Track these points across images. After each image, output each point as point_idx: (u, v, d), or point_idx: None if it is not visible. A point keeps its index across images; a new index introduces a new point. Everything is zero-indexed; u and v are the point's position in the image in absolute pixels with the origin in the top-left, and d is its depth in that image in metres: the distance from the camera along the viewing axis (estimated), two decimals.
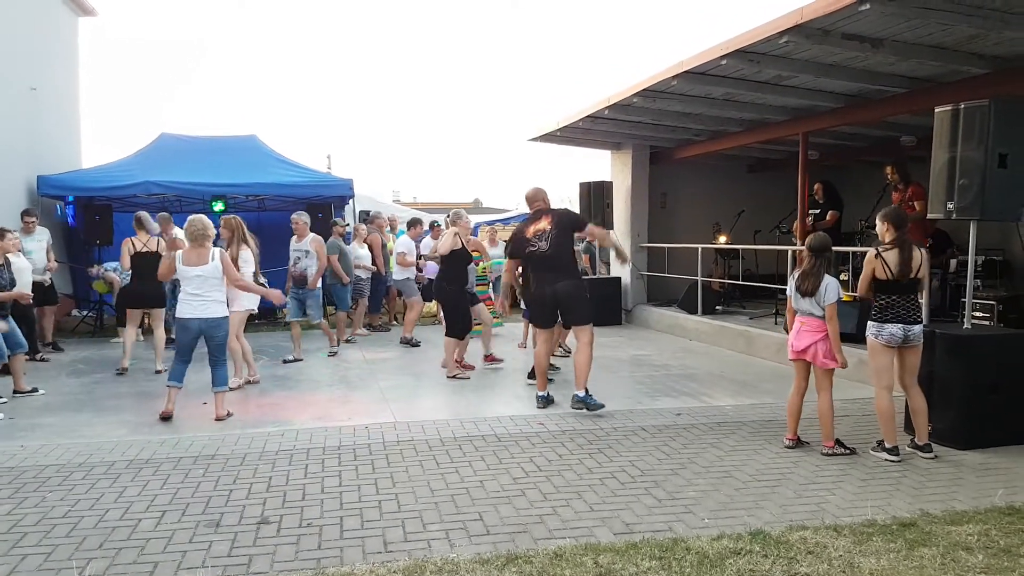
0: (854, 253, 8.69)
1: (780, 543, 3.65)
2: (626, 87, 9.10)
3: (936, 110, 5.67)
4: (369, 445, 5.40)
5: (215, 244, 6.33)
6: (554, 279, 6.31)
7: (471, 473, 4.78)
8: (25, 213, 9.74)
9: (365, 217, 12.67)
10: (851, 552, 3.55)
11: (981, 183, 5.27)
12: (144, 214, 8.62)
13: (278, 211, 12.57)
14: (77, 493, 4.47)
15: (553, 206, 6.85)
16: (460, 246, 7.73)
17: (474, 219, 16.09)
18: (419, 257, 10.92)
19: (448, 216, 8.34)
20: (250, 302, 7.30)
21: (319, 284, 8.80)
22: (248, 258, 7.04)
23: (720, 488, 4.49)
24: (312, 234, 8.84)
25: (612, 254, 13.41)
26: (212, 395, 6.22)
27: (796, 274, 5.30)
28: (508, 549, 3.65)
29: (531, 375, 7.30)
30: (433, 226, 12.50)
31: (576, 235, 6.81)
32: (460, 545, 3.72)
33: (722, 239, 12.32)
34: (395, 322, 12.28)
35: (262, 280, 7.42)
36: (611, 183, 12.23)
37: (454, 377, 7.77)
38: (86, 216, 11.16)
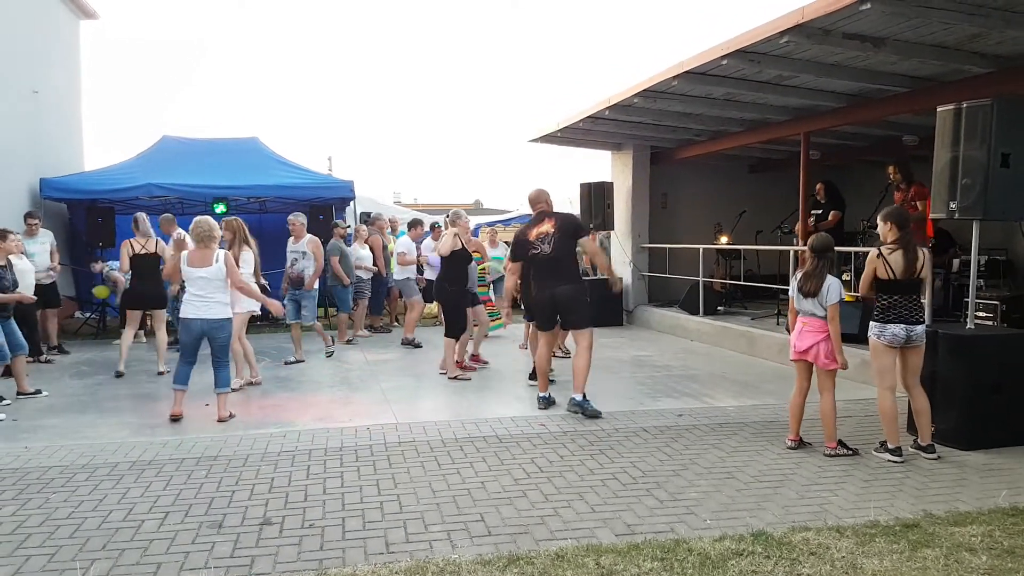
0: (856, 253, 8.68)
1: (782, 544, 3.65)
2: (627, 87, 9.10)
3: (938, 109, 5.66)
4: (371, 446, 5.40)
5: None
6: (555, 283, 6.29)
7: (472, 474, 4.78)
8: (28, 215, 9.76)
9: (366, 219, 12.68)
10: (854, 553, 3.54)
11: (984, 183, 5.25)
12: (141, 216, 8.61)
13: (279, 213, 12.58)
14: (80, 494, 4.47)
15: (556, 208, 6.84)
16: (460, 247, 7.74)
17: (475, 220, 16.10)
18: (419, 256, 10.91)
19: (447, 216, 8.34)
20: (252, 303, 7.31)
21: (316, 285, 8.78)
22: (249, 259, 7.09)
23: (722, 489, 4.48)
24: (309, 235, 8.83)
25: (612, 254, 13.44)
26: (214, 396, 6.22)
27: (798, 275, 5.29)
28: (510, 550, 3.65)
29: (532, 376, 7.30)
30: (434, 227, 12.50)
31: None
32: (462, 546, 3.71)
33: (723, 239, 12.31)
34: (396, 323, 12.28)
35: (263, 282, 7.44)
36: (612, 184, 12.22)
37: (455, 378, 7.77)
38: (88, 218, 11.18)
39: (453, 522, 4.01)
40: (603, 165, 13.85)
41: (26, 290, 7.47)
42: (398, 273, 10.75)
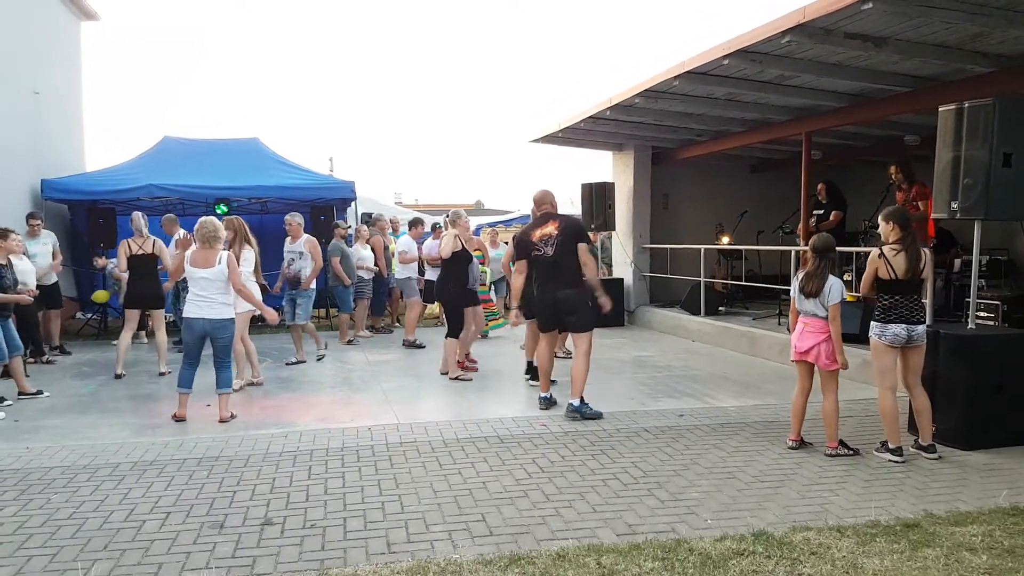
0: (857, 253, 8.68)
1: (783, 544, 3.65)
2: (628, 87, 9.09)
3: (940, 109, 5.65)
4: (372, 447, 5.40)
5: None
6: (556, 287, 6.26)
7: (474, 474, 4.78)
8: (30, 216, 9.77)
9: (367, 219, 12.68)
10: (854, 553, 3.54)
11: (985, 182, 5.24)
12: (135, 214, 8.60)
13: (281, 213, 12.50)
14: (82, 495, 4.48)
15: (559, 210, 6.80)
16: (460, 247, 7.73)
17: (476, 220, 16.12)
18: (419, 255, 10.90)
19: (447, 216, 8.33)
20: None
21: (312, 285, 8.75)
22: (250, 258, 7.13)
23: (723, 489, 4.48)
24: (306, 235, 8.80)
25: (614, 255, 13.45)
26: (216, 397, 6.23)
27: (800, 275, 5.29)
28: (511, 550, 3.65)
29: (533, 376, 7.30)
30: (435, 228, 12.51)
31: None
32: (463, 546, 3.72)
33: (725, 240, 12.31)
34: (397, 324, 12.29)
35: (262, 281, 7.47)
36: (613, 184, 12.21)
37: (456, 379, 7.77)
38: (89, 219, 11.18)
39: (454, 522, 4.02)
40: (604, 165, 13.86)
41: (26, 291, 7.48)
42: (399, 273, 10.76)
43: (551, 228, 6.31)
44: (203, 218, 6.31)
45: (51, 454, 5.31)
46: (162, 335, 8.43)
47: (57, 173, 11.72)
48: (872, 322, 5.14)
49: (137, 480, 4.73)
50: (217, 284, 6.08)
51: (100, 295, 10.98)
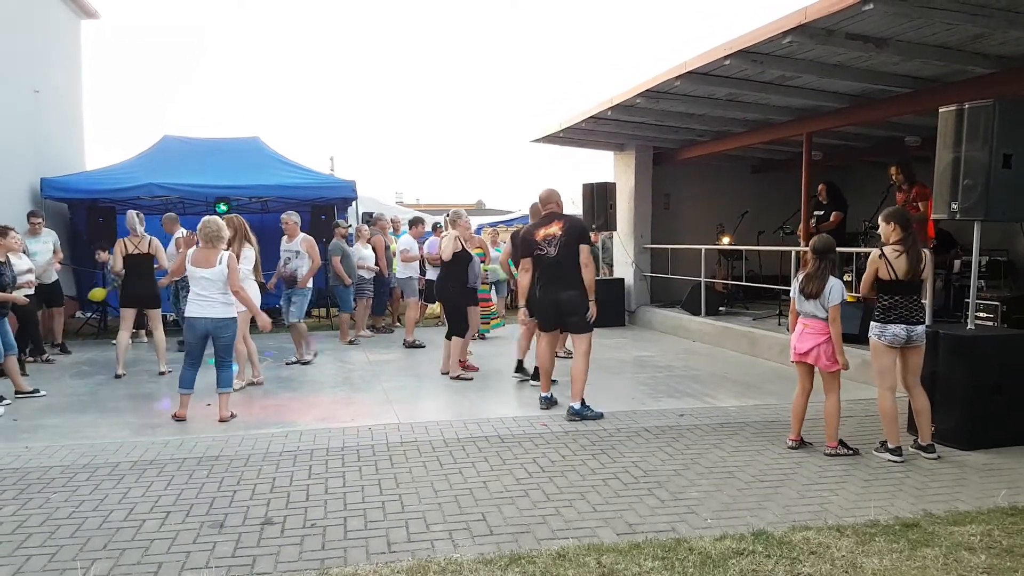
0: (858, 254, 8.68)
1: (783, 543, 3.65)
2: (629, 88, 9.10)
3: (940, 110, 5.65)
4: (373, 446, 5.41)
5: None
6: (558, 288, 6.25)
7: (474, 474, 4.78)
8: (31, 214, 9.78)
9: (368, 219, 12.68)
10: (854, 552, 3.55)
11: (985, 183, 5.25)
12: (131, 214, 8.59)
13: (281, 213, 12.58)
14: (81, 494, 4.48)
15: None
16: (460, 248, 7.74)
17: (477, 220, 16.11)
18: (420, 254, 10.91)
19: (447, 216, 8.32)
20: (255, 301, 7.31)
21: (309, 284, 8.73)
22: (250, 256, 7.15)
23: (723, 489, 4.48)
24: (303, 234, 8.75)
25: (615, 255, 13.45)
26: (216, 396, 6.23)
27: (800, 276, 5.29)
28: (511, 549, 3.65)
29: (534, 376, 7.30)
30: (435, 228, 12.51)
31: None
32: (463, 545, 3.72)
33: (725, 240, 12.31)
34: (398, 323, 12.29)
35: (261, 279, 7.49)
36: (614, 184, 12.21)
37: (457, 378, 7.77)
38: (89, 218, 11.19)
39: (455, 521, 4.02)
40: (606, 165, 13.87)
41: (26, 288, 7.49)
42: (401, 272, 10.76)
43: (555, 228, 6.29)
44: (206, 217, 6.31)
45: (50, 453, 5.31)
46: (160, 334, 8.42)
47: (57, 172, 11.72)
48: (872, 322, 5.14)
49: (137, 479, 4.73)
50: (218, 284, 6.08)
51: (97, 293, 10.96)
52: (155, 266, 8.50)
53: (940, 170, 5.58)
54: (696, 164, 12.84)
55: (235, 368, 6.59)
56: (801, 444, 5.29)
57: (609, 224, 11.72)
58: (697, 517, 4.05)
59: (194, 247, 6.35)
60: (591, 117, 10.43)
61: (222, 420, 6.11)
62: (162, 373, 8.14)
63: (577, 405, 6.13)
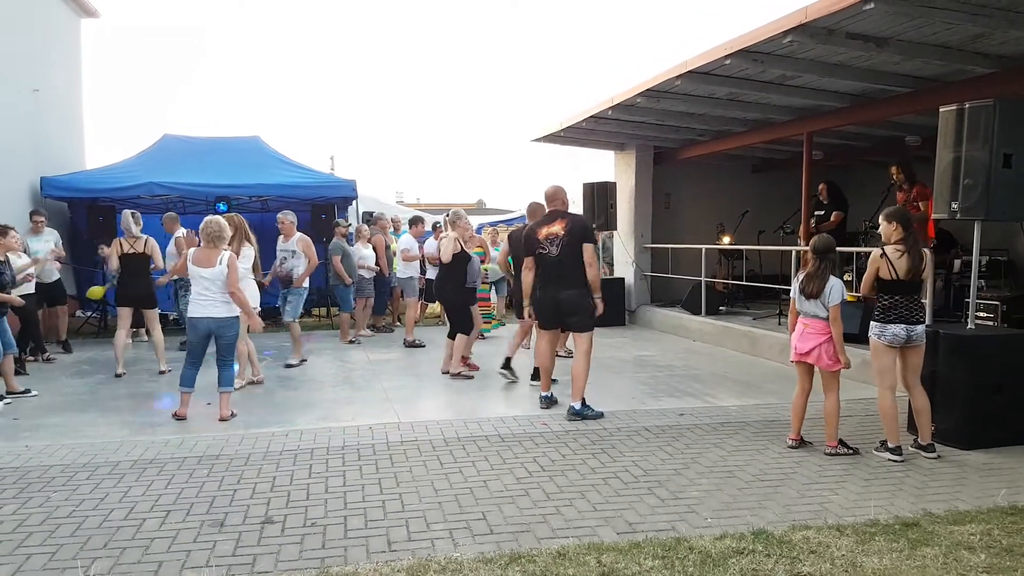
0: (858, 254, 8.68)
1: (783, 543, 3.65)
2: (630, 87, 9.10)
3: (941, 110, 5.65)
4: (373, 445, 5.41)
5: None
6: (558, 287, 6.24)
7: (474, 473, 4.79)
8: (34, 213, 9.79)
9: (368, 218, 12.67)
10: (854, 552, 3.55)
11: (986, 183, 5.25)
12: (126, 214, 8.57)
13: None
14: (81, 493, 4.48)
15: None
16: (459, 250, 7.73)
17: (477, 220, 16.12)
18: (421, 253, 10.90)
19: (447, 216, 8.31)
20: (254, 300, 7.32)
21: (305, 284, 8.72)
22: (249, 254, 7.16)
23: (723, 488, 4.49)
24: (299, 234, 8.71)
25: (615, 254, 13.45)
26: (216, 395, 6.23)
27: (800, 276, 5.29)
28: (511, 548, 3.65)
29: (535, 375, 7.30)
30: (435, 227, 12.51)
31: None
32: (464, 544, 3.72)
33: (726, 240, 12.31)
34: (398, 323, 12.29)
35: (261, 279, 7.49)
36: (615, 184, 12.21)
37: (458, 375, 7.78)
38: (89, 217, 11.19)
39: (455, 520, 4.02)
40: (606, 165, 13.87)
41: (24, 289, 7.50)
42: (401, 271, 10.76)
43: (557, 227, 6.26)
44: (208, 217, 6.32)
45: (51, 452, 5.31)
46: (158, 334, 8.40)
47: (57, 171, 11.71)
48: (872, 322, 5.14)
49: (137, 478, 4.73)
50: (218, 283, 6.09)
51: (95, 291, 10.97)
52: (151, 266, 8.49)
53: (940, 170, 5.59)
54: (696, 163, 12.84)
55: (235, 367, 6.59)
56: (801, 443, 5.29)
57: (609, 223, 11.72)
58: (697, 516, 4.05)
59: (195, 246, 6.35)
60: (592, 116, 10.43)
61: (222, 419, 6.11)
62: (162, 372, 8.13)
63: (577, 405, 6.12)
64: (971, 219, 5.52)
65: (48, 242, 9.64)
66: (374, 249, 11.14)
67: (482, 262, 9.33)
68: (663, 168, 12.90)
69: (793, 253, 9.39)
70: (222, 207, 11.11)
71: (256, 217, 12.08)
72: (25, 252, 8.41)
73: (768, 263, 12.67)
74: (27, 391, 7.13)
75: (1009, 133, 5.21)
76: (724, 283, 11.88)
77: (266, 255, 8.02)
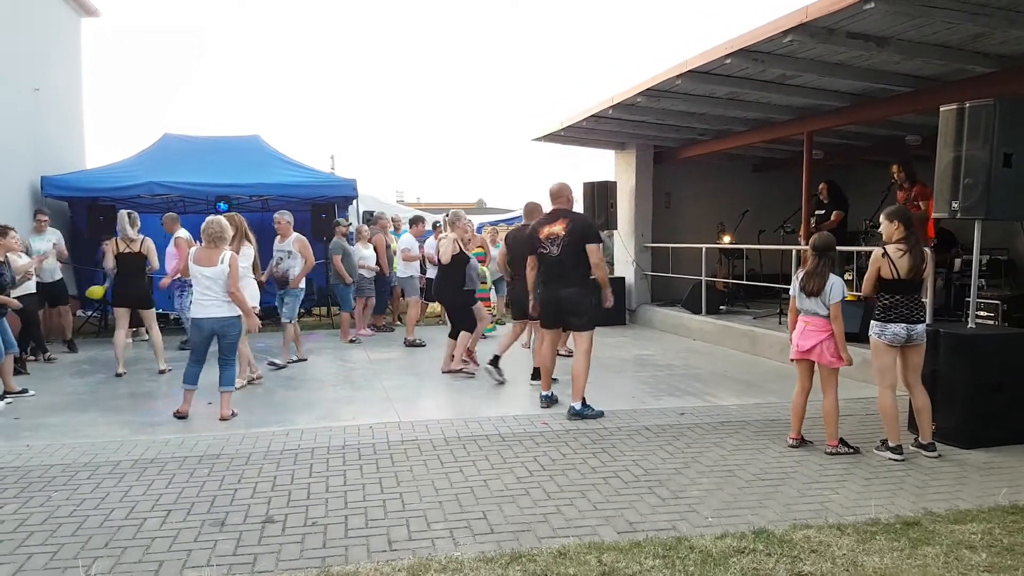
0: (858, 253, 8.68)
1: (784, 542, 3.65)
2: (630, 86, 9.10)
3: (941, 109, 5.66)
4: (373, 444, 5.41)
5: None
6: (559, 285, 6.24)
7: (475, 472, 4.79)
8: (38, 212, 9.80)
9: (369, 218, 12.67)
10: (854, 551, 3.55)
11: (986, 182, 5.25)
12: (122, 214, 8.55)
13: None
14: (82, 492, 4.49)
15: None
16: (459, 251, 7.73)
17: (478, 219, 16.12)
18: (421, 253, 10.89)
19: (447, 216, 8.30)
20: (251, 300, 7.31)
21: (302, 284, 8.69)
22: (248, 254, 7.17)
23: (723, 487, 4.49)
24: (295, 234, 8.68)
25: (615, 254, 13.44)
26: (217, 395, 6.23)
27: (800, 274, 5.29)
28: (512, 548, 3.66)
29: (535, 375, 7.30)
30: (435, 227, 12.51)
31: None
32: (464, 544, 3.72)
33: (726, 239, 12.31)
34: (399, 322, 12.29)
35: (261, 278, 7.50)
36: (615, 183, 12.22)
37: (459, 371, 7.77)
38: (90, 217, 11.19)
39: (455, 520, 4.02)
40: (607, 164, 13.86)
41: (24, 289, 7.50)
42: (401, 271, 10.76)
43: (559, 227, 6.24)
44: (210, 217, 6.32)
45: (52, 452, 5.32)
46: (156, 333, 8.39)
47: (57, 171, 11.70)
48: (872, 321, 5.15)
49: (138, 478, 4.73)
50: (220, 283, 6.09)
51: (95, 291, 10.96)
52: (147, 267, 8.47)
53: (941, 169, 5.59)
54: (697, 163, 12.83)
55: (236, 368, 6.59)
56: (802, 443, 5.29)
57: (610, 223, 11.71)
58: (698, 515, 4.05)
59: (196, 246, 6.35)
60: (592, 116, 10.43)
61: (223, 419, 6.11)
62: (162, 371, 8.13)
63: (578, 405, 6.12)
64: (971, 218, 5.53)
65: (50, 241, 9.66)
66: (374, 249, 11.14)
67: (482, 262, 9.33)
68: (663, 167, 12.90)
69: (793, 252, 9.38)
70: (222, 206, 11.11)
71: (256, 216, 12.08)
72: (27, 252, 8.40)
73: (768, 262, 12.67)
74: (24, 391, 7.13)
75: (1009, 132, 5.21)
76: (724, 282, 11.88)
77: (266, 255, 8.01)
